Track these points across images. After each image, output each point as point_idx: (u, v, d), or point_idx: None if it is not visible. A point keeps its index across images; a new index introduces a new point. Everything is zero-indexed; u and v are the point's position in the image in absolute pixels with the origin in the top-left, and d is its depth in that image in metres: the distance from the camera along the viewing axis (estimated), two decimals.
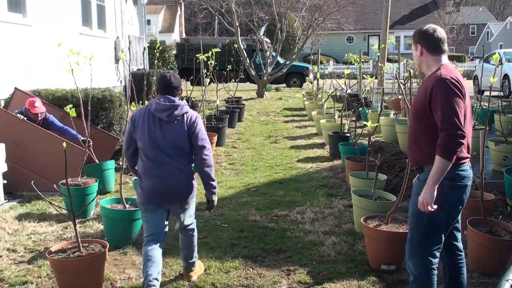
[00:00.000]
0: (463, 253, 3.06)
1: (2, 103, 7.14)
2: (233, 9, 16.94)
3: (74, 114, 5.15)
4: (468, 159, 2.85)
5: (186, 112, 3.45)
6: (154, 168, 3.38)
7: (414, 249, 2.87)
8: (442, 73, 2.72)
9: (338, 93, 12.64)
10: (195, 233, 3.74)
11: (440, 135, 2.65)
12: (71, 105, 5.17)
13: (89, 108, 5.45)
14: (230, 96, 12.55)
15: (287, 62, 18.49)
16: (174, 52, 22.84)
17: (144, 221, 3.55)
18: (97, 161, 5.94)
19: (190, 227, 3.67)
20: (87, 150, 5.42)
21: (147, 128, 3.37)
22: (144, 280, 3.26)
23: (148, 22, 45.98)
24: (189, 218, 3.63)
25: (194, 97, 12.82)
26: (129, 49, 5.91)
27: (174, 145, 3.38)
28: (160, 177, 3.37)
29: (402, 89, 5.63)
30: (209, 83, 13.40)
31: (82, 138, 5.76)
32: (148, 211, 3.46)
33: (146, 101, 6.43)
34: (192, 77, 9.92)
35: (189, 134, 3.41)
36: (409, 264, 2.89)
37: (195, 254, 3.76)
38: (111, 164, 6.10)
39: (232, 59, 18.32)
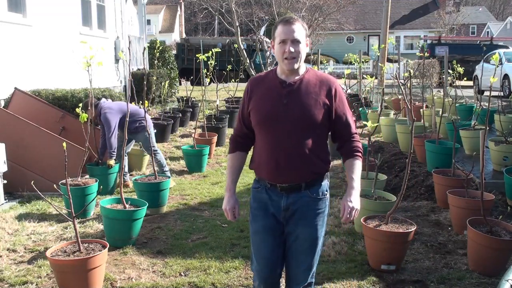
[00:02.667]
0: None
1: (2, 103, 7.14)
2: (233, 9, 16.94)
3: (85, 119, 5.09)
4: None
5: None
6: None
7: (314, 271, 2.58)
8: (330, 76, 2.52)
9: None
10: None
11: (354, 138, 2.51)
12: (80, 109, 5.07)
13: (89, 108, 5.45)
14: (230, 96, 12.55)
15: None
16: (174, 52, 22.85)
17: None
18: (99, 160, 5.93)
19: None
20: (87, 150, 5.41)
21: None
22: None
23: (148, 22, 45.94)
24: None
25: (194, 97, 12.82)
26: (129, 49, 5.89)
27: None
28: None
29: (402, 89, 5.62)
30: (209, 83, 13.39)
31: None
32: None
33: (146, 101, 6.46)
34: (192, 77, 9.92)
35: None
36: None
37: None
38: (116, 167, 6.07)
39: (232, 59, 18.33)
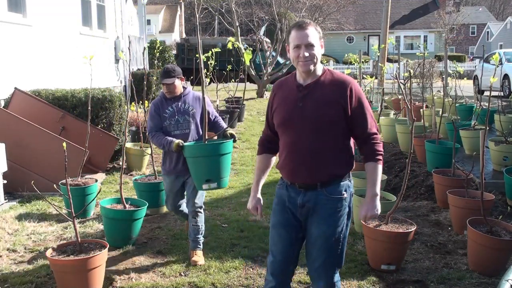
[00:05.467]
0: None
1: (2, 103, 7.14)
2: (233, 9, 16.95)
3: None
4: None
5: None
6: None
7: (336, 270, 2.63)
8: (347, 76, 2.58)
9: None
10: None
11: (372, 140, 2.51)
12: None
13: (89, 108, 5.46)
14: (230, 96, 12.55)
15: (287, 62, 18.48)
16: (174, 52, 22.85)
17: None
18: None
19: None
20: (87, 150, 5.41)
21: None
22: None
23: (148, 22, 45.93)
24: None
25: None
26: (129, 49, 5.90)
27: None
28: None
29: (402, 89, 5.62)
30: (209, 83, 13.38)
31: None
32: None
33: (146, 101, 6.46)
34: (192, 77, 9.91)
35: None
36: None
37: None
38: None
39: (232, 59, 18.34)
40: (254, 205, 2.77)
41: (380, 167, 2.54)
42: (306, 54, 2.43)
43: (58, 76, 8.75)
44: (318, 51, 2.48)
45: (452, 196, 4.62)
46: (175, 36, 49.67)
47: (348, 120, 2.48)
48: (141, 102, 6.52)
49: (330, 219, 2.52)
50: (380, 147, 2.54)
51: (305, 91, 2.50)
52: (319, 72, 2.53)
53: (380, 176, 2.55)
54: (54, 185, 4.06)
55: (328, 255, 2.56)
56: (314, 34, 2.46)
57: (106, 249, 3.56)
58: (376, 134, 2.54)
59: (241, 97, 14.74)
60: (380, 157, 2.54)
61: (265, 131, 2.77)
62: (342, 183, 2.54)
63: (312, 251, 2.58)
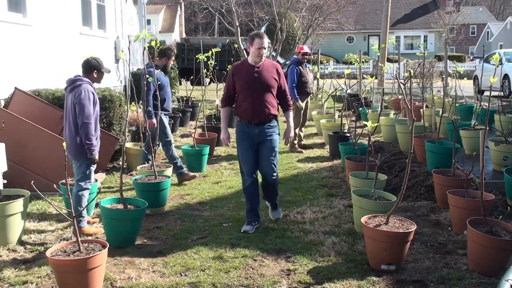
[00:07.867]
0: None
1: (2, 103, 7.14)
2: (233, 9, 16.94)
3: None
4: None
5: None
6: None
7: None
8: (273, 61, 4.98)
9: (338, 93, 12.64)
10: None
11: (288, 98, 4.93)
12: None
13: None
14: None
15: (287, 62, 18.47)
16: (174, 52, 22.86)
17: None
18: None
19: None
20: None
21: None
22: None
23: (148, 22, 45.93)
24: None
25: (194, 97, 12.81)
26: (129, 49, 5.90)
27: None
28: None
29: (402, 89, 5.62)
30: (209, 83, 13.39)
31: None
32: None
33: None
34: (192, 77, 9.93)
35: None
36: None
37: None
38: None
39: (232, 59, 18.34)
40: (227, 136, 4.92)
41: (291, 113, 4.95)
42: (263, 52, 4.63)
43: (58, 76, 8.74)
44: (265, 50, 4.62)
45: (452, 196, 4.62)
46: (175, 36, 49.67)
47: (277, 86, 4.73)
48: (141, 102, 6.52)
49: (271, 137, 4.70)
50: (290, 101, 4.91)
51: (257, 68, 4.66)
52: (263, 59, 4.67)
53: (292, 117, 4.97)
54: (54, 185, 4.07)
55: (275, 157, 4.75)
56: (267, 42, 4.65)
57: (106, 249, 3.56)
58: (288, 94, 4.91)
59: None
60: (291, 107, 4.93)
61: (226, 93, 4.80)
62: (274, 120, 4.75)
63: (267, 157, 4.70)
